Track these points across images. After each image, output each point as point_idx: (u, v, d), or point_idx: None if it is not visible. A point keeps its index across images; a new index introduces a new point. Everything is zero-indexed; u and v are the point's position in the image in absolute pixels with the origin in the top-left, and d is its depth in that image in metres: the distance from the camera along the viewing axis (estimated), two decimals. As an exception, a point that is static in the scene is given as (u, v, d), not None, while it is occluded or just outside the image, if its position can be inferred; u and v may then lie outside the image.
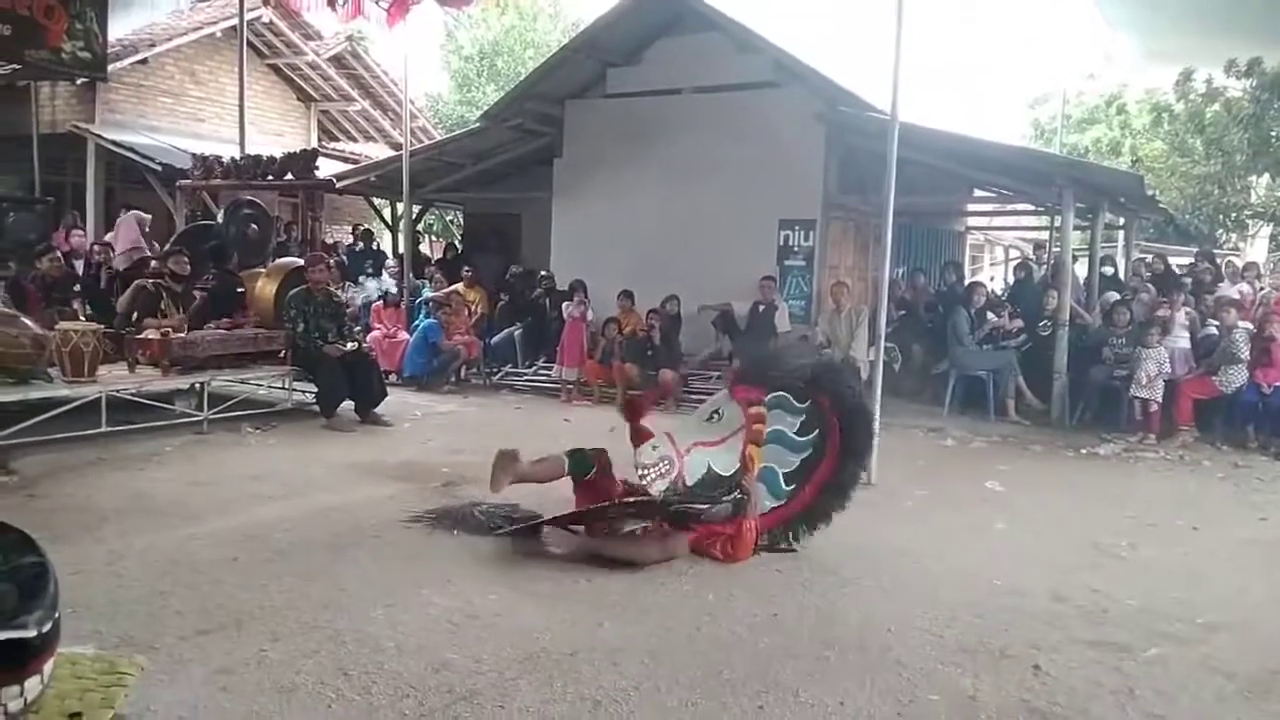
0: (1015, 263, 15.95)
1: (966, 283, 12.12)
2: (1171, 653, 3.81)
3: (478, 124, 13.51)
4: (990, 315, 10.13)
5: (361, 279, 12.81)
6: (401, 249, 13.71)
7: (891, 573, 4.67)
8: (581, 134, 12.08)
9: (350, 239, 15.35)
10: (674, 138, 11.08)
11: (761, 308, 10.45)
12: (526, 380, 10.99)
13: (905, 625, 3.97)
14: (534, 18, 26.53)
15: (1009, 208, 14.13)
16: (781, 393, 4.93)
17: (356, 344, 8.61)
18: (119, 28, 14.08)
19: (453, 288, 11.62)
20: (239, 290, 8.98)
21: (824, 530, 4.96)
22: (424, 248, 18.38)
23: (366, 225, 16.04)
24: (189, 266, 8.54)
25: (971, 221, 16.21)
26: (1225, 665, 3.69)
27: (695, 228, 10.95)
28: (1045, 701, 3.32)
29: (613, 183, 11.59)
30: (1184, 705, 3.35)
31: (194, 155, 11.49)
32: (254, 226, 10.04)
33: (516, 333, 11.42)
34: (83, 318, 8.16)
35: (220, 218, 10.54)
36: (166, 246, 9.62)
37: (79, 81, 13.57)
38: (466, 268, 12.15)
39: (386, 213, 16.25)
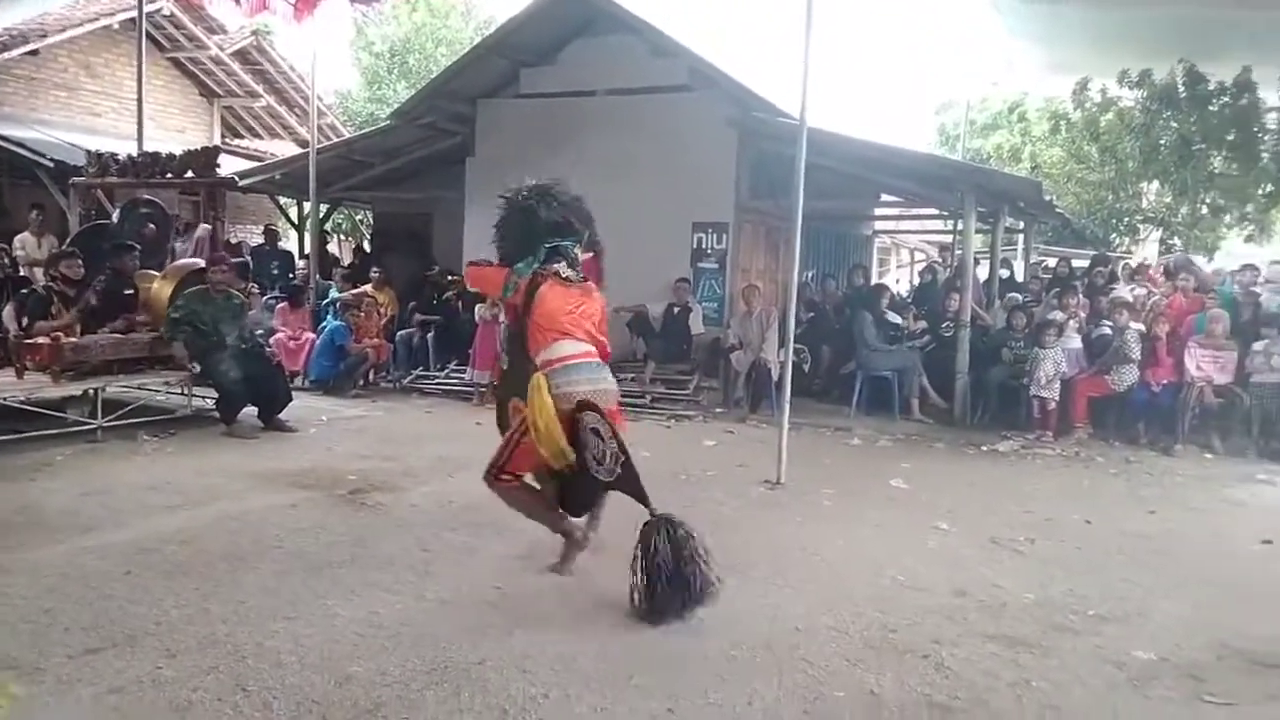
0: (921, 266, 16.36)
1: (872, 284, 12.39)
2: (1066, 644, 3.95)
3: (388, 122, 13.30)
4: (893, 316, 10.35)
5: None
6: (309, 249, 13.41)
7: (799, 571, 4.74)
8: (494, 134, 11.97)
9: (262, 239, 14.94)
10: (588, 140, 11.06)
11: (676, 309, 10.52)
12: (438, 384, 10.85)
13: (812, 623, 4.03)
14: (446, 15, 26.16)
15: (915, 212, 14.48)
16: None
17: (247, 345, 8.26)
18: (6, 17, 13.46)
19: (363, 289, 11.41)
20: (128, 292, 8.60)
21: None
22: (332, 247, 18.00)
23: (272, 224, 15.63)
24: (82, 269, 8.21)
25: (879, 225, 16.57)
26: (1116, 655, 3.83)
27: (610, 230, 10.69)
28: (946, 695, 3.41)
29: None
30: (1077, 695, 3.47)
31: (89, 151, 11.05)
32: (152, 226, 9.70)
33: (428, 335, 11.26)
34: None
35: (116, 217, 10.16)
36: (60, 248, 9.24)
37: (-39, 73, 12.95)
38: (376, 269, 11.94)
39: (293, 212, 15.88)
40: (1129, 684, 3.59)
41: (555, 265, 4.40)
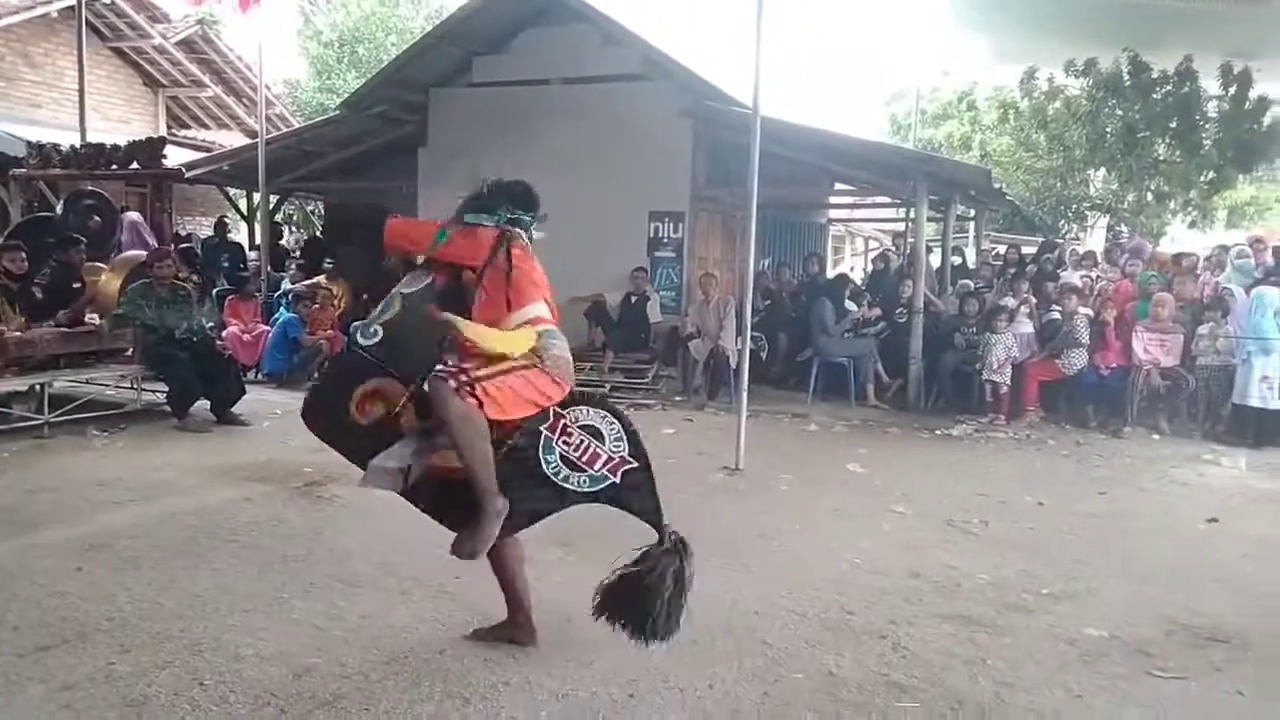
0: (874, 253, 16.52)
1: (834, 274, 12.48)
2: (1019, 623, 4.02)
3: (338, 112, 13.14)
4: (850, 306, 10.45)
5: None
6: (259, 240, 13.21)
7: (758, 556, 4.77)
8: (447, 123, 11.88)
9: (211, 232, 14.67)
10: (543, 128, 11.01)
11: (633, 298, 10.53)
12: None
13: (771, 606, 4.06)
14: (395, 3, 25.88)
15: (868, 200, 14.59)
16: None
17: (196, 339, 8.12)
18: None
19: (316, 280, 11.25)
20: (75, 285, 8.43)
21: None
22: (287, 240, 17.73)
23: (223, 216, 15.38)
24: (25, 263, 8.02)
25: (833, 214, 16.69)
26: (1068, 633, 3.91)
27: (566, 219, 10.67)
28: (903, 675, 3.46)
29: (481, 173, 11.41)
30: (1030, 672, 3.54)
31: (29, 143, 10.82)
32: (96, 218, 9.50)
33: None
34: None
35: (60, 209, 9.95)
36: (1, 241, 9.01)
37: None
38: (328, 260, 11.79)
39: (243, 204, 15.62)
40: (1081, 660, 3.66)
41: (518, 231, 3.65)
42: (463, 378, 3.21)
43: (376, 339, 3.49)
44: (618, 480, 3.43)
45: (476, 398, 3.19)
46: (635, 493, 3.45)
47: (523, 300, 3.47)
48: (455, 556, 3.30)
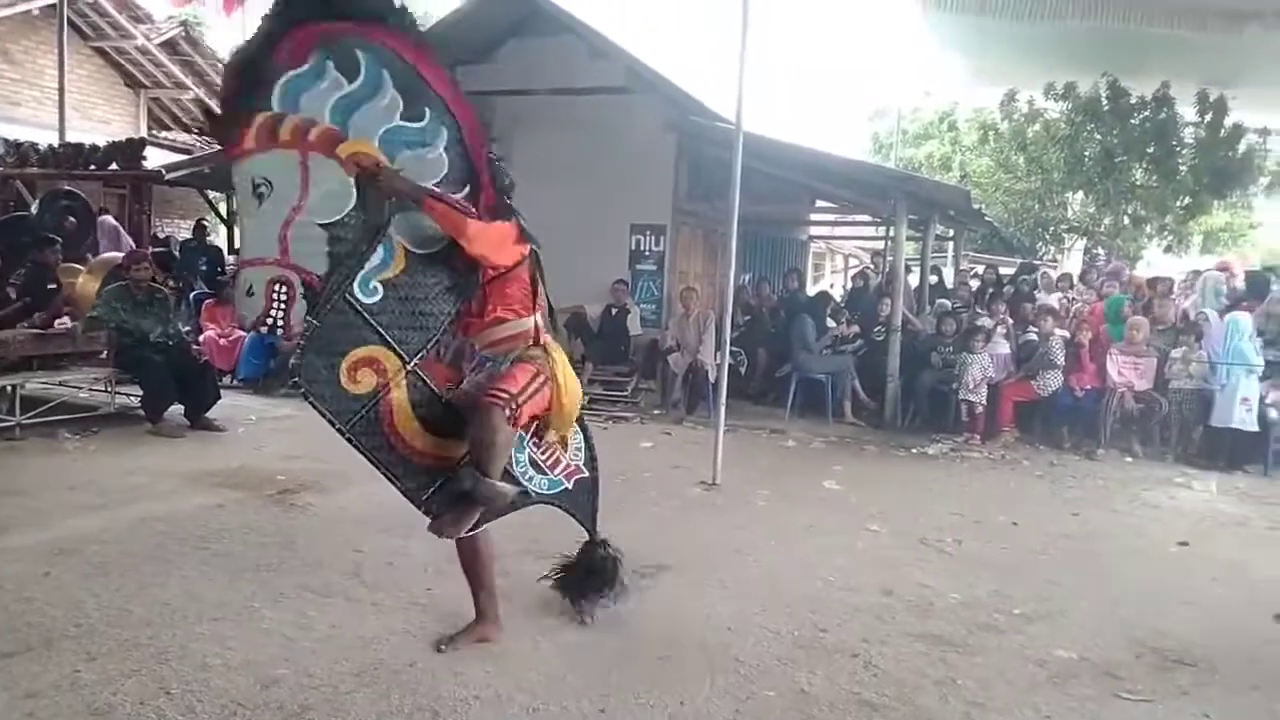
0: (854, 271, 16.62)
1: (816, 291, 12.53)
2: (991, 643, 4.04)
3: (321, 117, 13.08)
4: (830, 323, 10.50)
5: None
6: (239, 244, 13.10)
7: (733, 572, 4.77)
8: (430, 132, 11.84)
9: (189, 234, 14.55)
10: (526, 139, 10.98)
11: (614, 310, 10.53)
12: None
13: (744, 623, 4.06)
14: (382, 11, 25.88)
15: (849, 218, 14.69)
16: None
17: (172, 342, 8.05)
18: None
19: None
20: (50, 286, 8.34)
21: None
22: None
23: (203, 219, 15.27)
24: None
25: (814, 231, 16.78)
26: (1038, 654, 3.94)
27: (548, 230, 10.70)
28: (874, 693, 3.47)
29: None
30: (1001, 692, 3.56)
31: (7, 141, 10.75)
32: (72, 219, 9.42)
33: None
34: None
35: (36, 209, 9.86)
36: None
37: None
38: (308, 266, 11.70)
39: (223, 207, 15.52)
40: (1050, 682, 3.68)
41: None
42: (513, 405, 3.36)
43: (378, 296, 3.40)
44: (570, 486, 3.78)
45: (515, 419, 3.39)
46: (581, 499, 3.85)
47: (537, 307, 3.66)
48: (434, 534, 3.56)
